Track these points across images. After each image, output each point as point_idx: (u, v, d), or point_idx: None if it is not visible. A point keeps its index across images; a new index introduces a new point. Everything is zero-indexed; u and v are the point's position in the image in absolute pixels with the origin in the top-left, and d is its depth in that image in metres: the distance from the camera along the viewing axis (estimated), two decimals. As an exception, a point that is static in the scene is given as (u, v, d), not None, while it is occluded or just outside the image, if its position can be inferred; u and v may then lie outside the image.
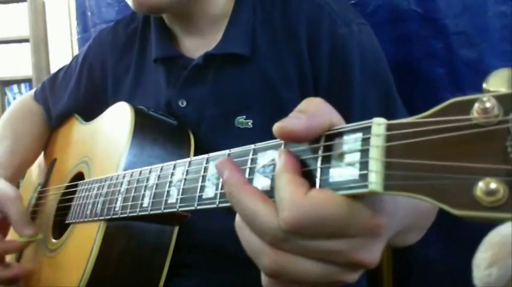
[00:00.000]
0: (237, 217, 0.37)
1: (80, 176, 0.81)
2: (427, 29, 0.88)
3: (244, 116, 0.73)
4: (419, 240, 0.64)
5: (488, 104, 0.25)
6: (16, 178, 0.89)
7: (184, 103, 0.77)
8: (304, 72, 0.71)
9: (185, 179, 0.48)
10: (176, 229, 0.69)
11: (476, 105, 0.26)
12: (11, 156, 0.90)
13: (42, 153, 1.01)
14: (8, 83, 3.29)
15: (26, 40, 3.09)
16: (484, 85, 0.27)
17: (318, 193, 0.32)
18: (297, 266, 0.34)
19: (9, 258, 0.92)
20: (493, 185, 0.24)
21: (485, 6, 0.83)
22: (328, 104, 0.36)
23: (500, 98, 0.25)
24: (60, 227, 0.81)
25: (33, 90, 1.06)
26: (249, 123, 0.72)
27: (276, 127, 0.34)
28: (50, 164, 0.96)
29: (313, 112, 0.35)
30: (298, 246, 0.33)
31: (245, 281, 0.74)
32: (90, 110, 0.90)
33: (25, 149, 0.95)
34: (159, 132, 0.72)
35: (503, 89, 0.26)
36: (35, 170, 1.01)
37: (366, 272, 0.88)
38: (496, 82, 0.27)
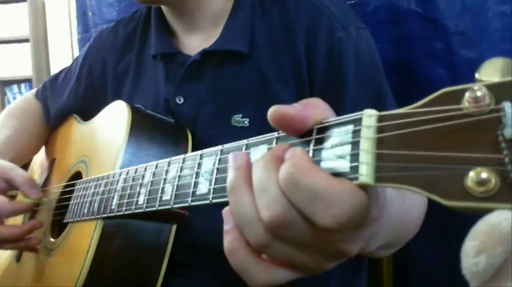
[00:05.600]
0: (234, 175, 0.35)
1: (78, 175, 0.81)
2: (427, 29, 0.88)
3: (241, 115, 0.72)
4: (420, 240, 0.64)
5: (479, 93, 0.25)
6: None
7: (182, 100, 0.77)
8: (301, 72, 0.71)
9: (179, 176, 0.48)
10: (174, 227, 0.69)
11: (467, 94, 0.25)
12: (8, 146, 0.92)
13: (44, 153, 1.01)
14: (8, 83, 3.30)
15: (26, 40, 3.11)
16: (476, 75, 0.27)
17: (350, 182, 0.30)
18: (284, 253, 0.33)
19: (10, 256, 0.93)
20: (484, 175, 0.24)
21: (485, 6, 0.82)
22: (326, 104, 0.36)
23: (492, 87, 0.25)
24: (59, 226, 0.81)
25: (34, 89, 1.07)
26: (246, 122, 0.72)
27: (271, 110, 0.33)
28: (50, 164, 0.96)
29: (308, 103, 0.35)
30: (302, 236, 0.32)
31: (244, 283, 0.74)
32: (89, 110, 0.90)
33: (23, 143, 0.96)
34: (156, 131, 0.72)
35: (495, 79, 0.26)
36: (37, 170, 1.01)
37: (366, 271, 0.88)
38: (488, 72, 0.26)
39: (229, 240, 0.35)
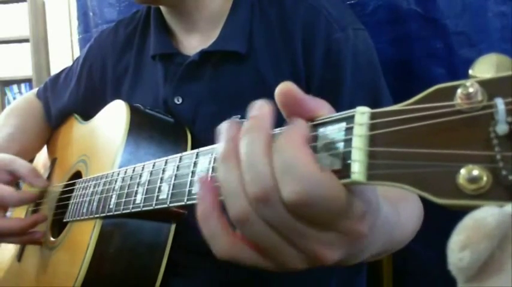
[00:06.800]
0: (225, 147, 0.35)
1: (78, 175, 0.81)
2: (427, 29, 0.88)
3: (240, 115, 0.72)
4: (419, 240, 0.63)
5: (471, 89, 0.25)
6: None
7: (180, 100, 0.77)
8: (298, 72, 0.71)
9: (176, 175, 0.48)
10: (173, 226, 0.69)
11: (459, 91, 0.25)
12: (9, 143, 0.92)
13: (47, 153, 1.01)
14: (8, 83, 3.32)
15: (26, 40, 3.12)
16: (470, 71, 0.26)
17: (331, 173, 0.30)
18: (261, 233, 0.33)
19: (11, 256, 0.93)
20: (475, 172, 0.24)
21: (485, 6, 0.82)
22: (330, 106, 0.36)
23: (484, 83, 0.25)
24: (59, 225, 0.81)
25: (35, 89, 1.07)
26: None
27: (282, 85, 0.34)
28: (51, 163, 0.96)
29: (315, 98, 0.35)
30: (279, 219, 0.32)
31: (243, 283, 0.74)
32: (89, 110, 0.90)
33: (24, 141, 0.96)
34: (155, 130, 0.72)
35: (489, 75, 0.25)
36: (40, 170, 1.01)
37: (365, 270, 0.87)
38: (482, 68, 0.26)
39: (202, 208, 0.36)
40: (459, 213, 0.26)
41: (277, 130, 0.35)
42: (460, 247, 0.22)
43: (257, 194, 0.32)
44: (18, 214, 0.96)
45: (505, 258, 0.21)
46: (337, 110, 0.35)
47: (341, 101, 0.68)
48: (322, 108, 0.34)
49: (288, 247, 0.33)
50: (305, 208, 0.30)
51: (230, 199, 0.34)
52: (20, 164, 0.80)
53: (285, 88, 0.34)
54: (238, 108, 0.73)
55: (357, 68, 0.70)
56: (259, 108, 0.35)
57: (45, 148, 1.03)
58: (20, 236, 0.79)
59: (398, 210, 0.49)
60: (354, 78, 0.69)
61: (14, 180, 0.81)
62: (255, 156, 0.32)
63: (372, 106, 0.31)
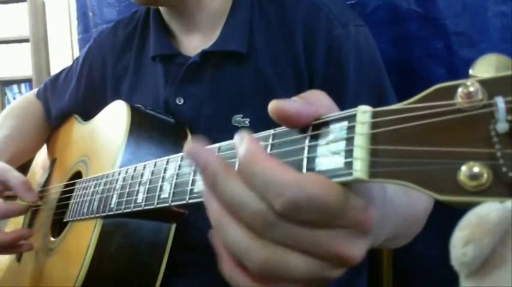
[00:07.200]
0: (214, 214, 0.34)
1: (78, 175, 0.81)
2: (427, 29, 0.88)
3: (241, 115, 0.72)
4: (420, 240, 0.64)
5: (472, 89, 0.25)
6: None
7: (182, 101, 0.77)
8: (300, 71, 0.71)
9: (177, 174, 0.48)
10: (173, 226, 0.69)
11: (460, 90, 0.25)
12: (6, 145, 0.92)
13: (46, 153, 1.01)
14: (8, 83, 3.31)
15: (26, 40, 3.12)
16: (470, 71, 0.27)
17: (314, 175, 0.31)
18: (286, 260, 0.32)
19: (11, 256, 0.93)
20: (476, 169, 0.24)
21: (485, 6, 0.83)
22: (329, 99, 0.36)
23: (485, 83, 0.25)
24: (59, 225, 0.82)
25: (35, 89, 1.07)
26: (246, 122, 0.72)
27: (272, 104, 0.33)
28: (50, 163, 0.96)
29: (310, 100, 0.34)
30: (288, 233, 0.31)
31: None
32: (89, 111, 0.90)
33: (21, 141, 0.96)
34: (155, 130, 0.72)
35: (489, 75, 0.26)
36: (39, 171, 1.02)
37: (366, 272, 0.87)
38: (482, 68, 0.26)
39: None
40: (460, 212, 0.26)
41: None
42: (464, 243, 0.22)
43: (264, 228, 0.31)
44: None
45: (506, 253, 0.21)
46: (342, 107, 0.35)
47: (345, 98, 0.68)
48: (319, 111, 0.34)
49: (313, 261, 0.32)
50: (297, 213, 0.30)
51: (245, 256, 0.33)
52: (12, 175, 0.79)
53: (274, 107, 0.33)
54: (240, 108, 0.73)
55: (360, 64, 0.70)
56: (203, 154, 0.35)
57: (44, 148, 1.03)
58: (7, 249, 0.79)
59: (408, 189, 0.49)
60: (357, 74, 0.69)
61: (5, 190, 0.81)
62: (240, 196, 0.32)
63: (376, 103, 0.31)
